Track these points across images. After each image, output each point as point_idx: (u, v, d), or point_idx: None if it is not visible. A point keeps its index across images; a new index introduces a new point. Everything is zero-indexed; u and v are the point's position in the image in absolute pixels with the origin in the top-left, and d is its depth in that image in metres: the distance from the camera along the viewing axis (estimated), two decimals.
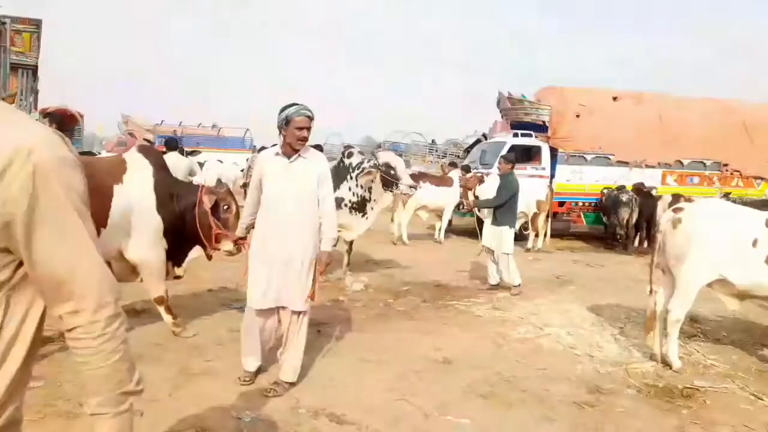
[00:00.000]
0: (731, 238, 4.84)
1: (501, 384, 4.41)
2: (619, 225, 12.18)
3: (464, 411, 3.91)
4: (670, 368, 4.95)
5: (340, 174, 7.24)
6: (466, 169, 12.79)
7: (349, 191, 7.18)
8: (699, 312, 6.51)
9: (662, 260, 5.14)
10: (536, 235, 11.61)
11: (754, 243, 4.82)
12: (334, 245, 4.35)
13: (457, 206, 12.02)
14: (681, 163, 13.93)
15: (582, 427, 3.80)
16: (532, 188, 11.65)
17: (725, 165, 14.19)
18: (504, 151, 11.83)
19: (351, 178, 7.18)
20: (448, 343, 5.25)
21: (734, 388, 4.69)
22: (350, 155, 7.35)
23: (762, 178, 14.60)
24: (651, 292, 5.26)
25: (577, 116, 13.15)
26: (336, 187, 7.21)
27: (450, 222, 13.12)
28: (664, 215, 5.25)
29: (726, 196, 12.90)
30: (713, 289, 5.08)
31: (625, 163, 13.46)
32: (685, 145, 13.74)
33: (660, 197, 12.33)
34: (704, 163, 14.07)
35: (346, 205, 7.18)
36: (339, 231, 7.48)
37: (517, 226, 11.71)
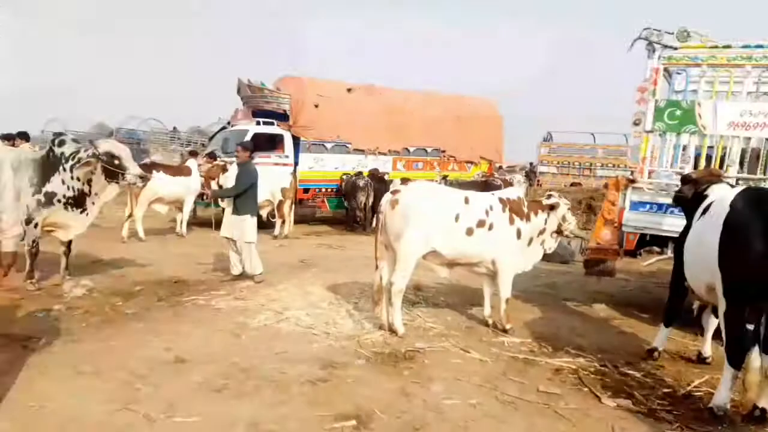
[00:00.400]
0: (439, 214, 5.49)
1: (236, 375, 4.34)
2: (358, 208, 13.07)
3: (194, 409, 3.74)
4: (396, 335, 5.44)
5: (50, 165, 6.36)
6: (213, 156, 12.29)
7: (62, 185, 6.33)
8: (422, 281, 7.30)
9: (385, 237, 5.60)
10: (283, 222, 11.75)
11: (457, 218, 5.55)
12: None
13: (201, 197, 11.53)
14: (408, 150, 15.46)
15: (314, 403, 3.94)
16: (277, 176, 11.80)
17: (443, 151, 16.17)
18: (247, 140, 11.69)
19: (64, 169, 6.34)
20: (182, 342, 4.98)
21: (448, 345, 5.36)
22: (62, 143, 6.46)
23: (472, 162, 17.02)
24: (377, 267, 5.70)
25: (316, 106, 13.61)
26: (46, 179, 6.36)
27: (194, 213, 12.56)
28: (384, 197, 5.70)
29: (444, 178, 14.76)
30: (427, 261, 5.72)
31: (361, 151, 14.43)
32: (409, 134, 15.27)
33: (392, 181, 13.49)
34: (426, 150, 15.83)
35: (59, 201, 6.32)
36: (53, 230, 6.60)
37: (264, 213, 11.82)
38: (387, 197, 5.59)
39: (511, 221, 5.79)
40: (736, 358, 4.04)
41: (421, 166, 15.77)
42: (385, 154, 14.95)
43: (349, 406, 3.91)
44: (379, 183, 13.34)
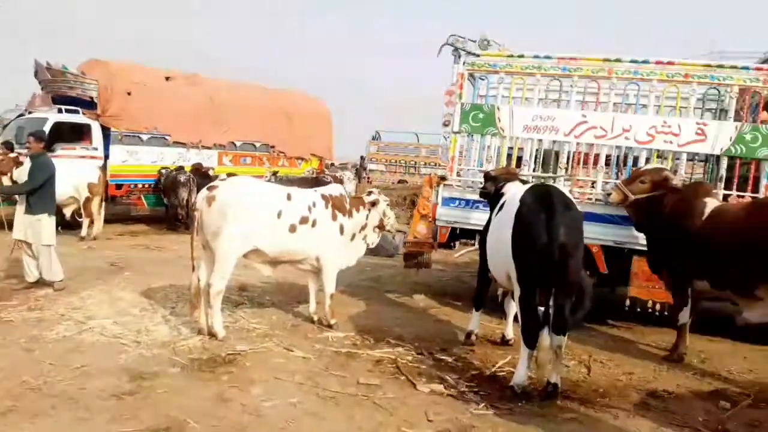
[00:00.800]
0: (260, 211, 5.35)
1: (27, 395, 3.83)
2: (179, 205, 12.29)
3: None
4: (216, 338, 5.20)
5: None
6: (10, 147, 10.71)
7: None
8: (247, 280, 7.10)
9: (202, 236, 5.33)
10: (91, 222, 10.65)
11: (279, 214, 5.46)
12: None
13: None
14: (234, 144, 14.93)
15: (119, 419, 3.61)
16: (83, 170, 10.69)
17: (272, 147, 15.90)
18: (47, 129, 10.42)
19: None
20: None
21: (272, 345, 5.26)
22: None
23: (303, 159, 16.99)
24: (194, 268, 5.41)
25: (129, 94, 12.52)
26: None
27: None
28: (199, 194, 5.42)
29: (275, 174, 14.53)
30: (249, 259, 5.56)
31: (183, 144, 13.60)
32: (236, 128, 14.75)
33: (217, 177, 12.92)
34: (254, 145, 15.44)
35: None
36: None
37: (69, 212, 10.61)
38: (203, 194, 5.31)
39: (334, 217, 5.85)
40: (530, 339, 4.48)
41: (250, 162, 15.33)
42: (209, 147, 14.26)
43: (160, 419, 3.65)
44: (203, 178, 12.65)
